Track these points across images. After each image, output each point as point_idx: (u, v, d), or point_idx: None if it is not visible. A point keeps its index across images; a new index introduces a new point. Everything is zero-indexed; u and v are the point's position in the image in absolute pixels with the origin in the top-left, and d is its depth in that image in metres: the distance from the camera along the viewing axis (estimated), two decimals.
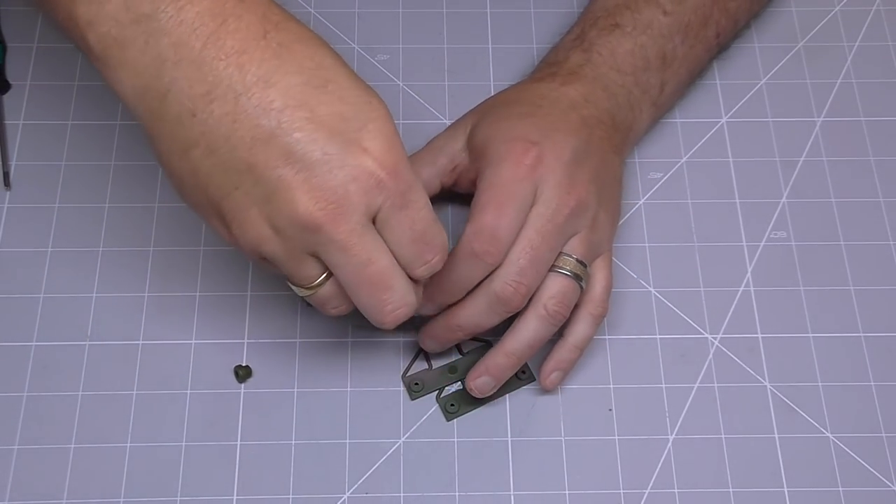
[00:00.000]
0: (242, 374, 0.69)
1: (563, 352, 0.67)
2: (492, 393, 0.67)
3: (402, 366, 0.70)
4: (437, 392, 0.69)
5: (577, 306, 0.67)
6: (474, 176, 0.67)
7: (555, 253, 0.64)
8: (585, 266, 0.65)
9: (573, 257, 0.65)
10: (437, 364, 0.70)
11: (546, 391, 0.68)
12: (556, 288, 0.64)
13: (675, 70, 0.74)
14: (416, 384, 0.69)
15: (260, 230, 0.56)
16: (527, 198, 0.64)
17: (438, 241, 0.58)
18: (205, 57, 0.54)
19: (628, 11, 0.73)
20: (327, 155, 0.54)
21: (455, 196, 0.73)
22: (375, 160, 0.55)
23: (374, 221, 0.56)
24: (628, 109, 0.72)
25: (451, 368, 0.69)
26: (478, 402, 0.68)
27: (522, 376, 0.69)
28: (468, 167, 0.69)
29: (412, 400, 0.68)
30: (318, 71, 0.55)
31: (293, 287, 0.60)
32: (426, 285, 0.62)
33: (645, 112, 0.73)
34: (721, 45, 0.79)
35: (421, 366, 0.70)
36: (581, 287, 0.65)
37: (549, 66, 0.73)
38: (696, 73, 0.78)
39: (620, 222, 0.74)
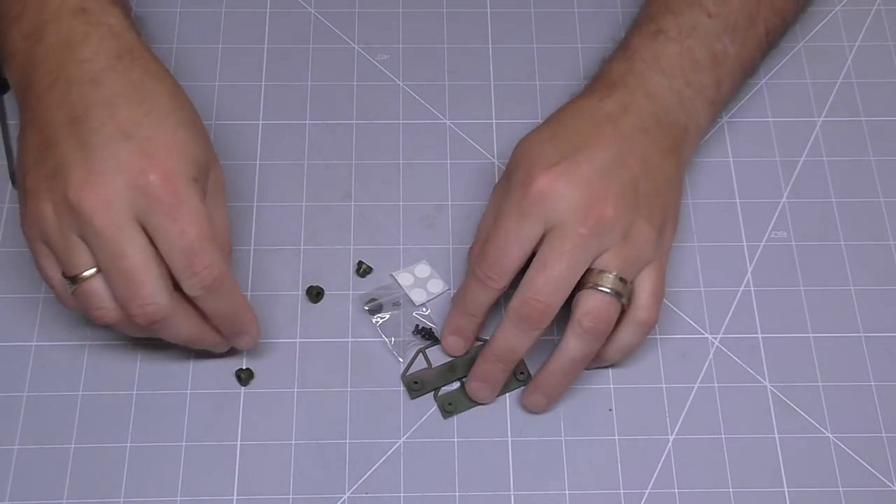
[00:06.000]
0: (245, 376, 0.69)
1: (607, 355, 0.68)
2: (548, 408, 0.68)
3: (402, 366, 0.70)
4: (434, 391, 0.69)
5: (623, 314, 0.66)
6: None
7: (575, 271, 0.64)
8: (625, 281, 0.65)
9: (609, 273, 0.64)
10: (436, 363, 0.70)
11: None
12: (589, 304, 0.64)
13: (730, 68, 0.73)
14: (416, 383, 0.69)
15: (42, 205, 0.61)
16: (532, 229, 0.65)
17: (208, 256, 0.62)
18: (62, 60, 0.64)
19: (671, 16, 0.73)
20: (108, 146, 0.61)
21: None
22: (151, 165, 0.61)
23: (147, 226, 0.61)
24: (680, 110, 0.71)
25: (451, 367, 0.69)
26: (474, 401, 0.69)
27: (521, 377, 0.69)
28: None
29: (412, 399, 0.68)
30: (141, 90, 0.64)
31: (66, 282, 0.63)
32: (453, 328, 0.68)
33: (702, 111, 0.72)
34: (771, 43, 0.78)
35: (421, 365, 0.70)
36: (621, 302, 0.65)
37: (593, 81, 0.73)
38: (751, 70, 0.77)
39: None
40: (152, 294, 0.61)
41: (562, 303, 0.64)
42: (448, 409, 0.68)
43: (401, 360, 0.70)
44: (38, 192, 0.62)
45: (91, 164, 0.60)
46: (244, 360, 0.69)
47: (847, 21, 0.85)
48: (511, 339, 0.65)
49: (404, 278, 0.72)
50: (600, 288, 0.64)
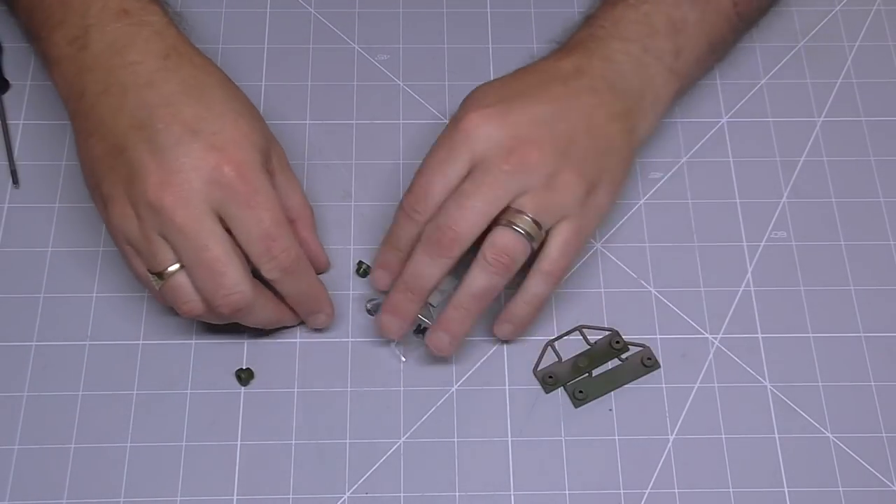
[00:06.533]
0: (245, 376, 0.69)
1: (513, 305, 0.68)
2: (451, 349, 0.67)
3: (402, 366, 0.70)
4: (567, 381, 0.69)
5: (533, 264, 0.67)
6: None
7: (492, 205, 0.64)
8: (539, 225, 0.65)
9: (524, 214, 0.65)
10: (565, 357, 0.70)
11: (500, 340, 0.70)
12: (498, 239, 0.65)
13: (690, 36, 0.73)
14: (550, 377, 0.69)
15: (124, 208, 0.63)
16: (457, 164, 0.66)
17: (285, 240, 0.64)
18: (111, 65, 0.65)
19: None
20: (179, 145, 0.62)
21: None
22: (223, 159, 0.63)
23: (223, 217, 0.63)
24: (636, 76, 0.71)
25: (582, 359, 0.69)
26: (605, 388, 0.69)
27: (648, 363, 0.69)
28: None
29: (546, 393, 0.69)
30: (195, 86, 0.65)
31: (152, 279, 0.65)
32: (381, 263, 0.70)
33: (660, 77, 0.72)
34: (742, 16, 0.77)
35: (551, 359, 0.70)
36: (531, 245, 0.65)
37: (555, 48, 0.74)
38: (719, 44, 0.76)
39: (621, 221, 0.74)
40: (236, 283, 0.63)
41: (474, 236, 0.65)
42: (579, 396, 0.68)
43: (403, 359, 0.70)
44: (117, 197, 0.64)
45: (165, 164, 0.62)
46: (244, 360, 0.69)
47: (847, 21, 0.85)
48: (421, 265, 0.65)
49: None
50: (512, 227, 0.65)
